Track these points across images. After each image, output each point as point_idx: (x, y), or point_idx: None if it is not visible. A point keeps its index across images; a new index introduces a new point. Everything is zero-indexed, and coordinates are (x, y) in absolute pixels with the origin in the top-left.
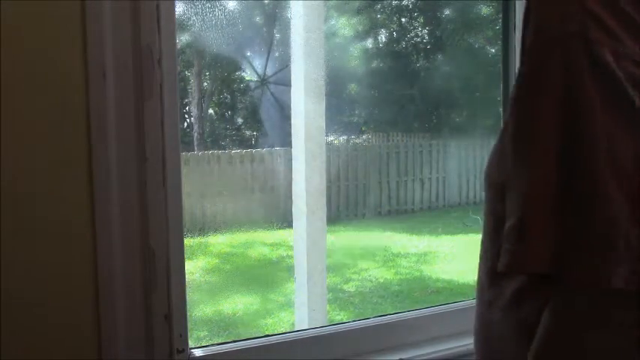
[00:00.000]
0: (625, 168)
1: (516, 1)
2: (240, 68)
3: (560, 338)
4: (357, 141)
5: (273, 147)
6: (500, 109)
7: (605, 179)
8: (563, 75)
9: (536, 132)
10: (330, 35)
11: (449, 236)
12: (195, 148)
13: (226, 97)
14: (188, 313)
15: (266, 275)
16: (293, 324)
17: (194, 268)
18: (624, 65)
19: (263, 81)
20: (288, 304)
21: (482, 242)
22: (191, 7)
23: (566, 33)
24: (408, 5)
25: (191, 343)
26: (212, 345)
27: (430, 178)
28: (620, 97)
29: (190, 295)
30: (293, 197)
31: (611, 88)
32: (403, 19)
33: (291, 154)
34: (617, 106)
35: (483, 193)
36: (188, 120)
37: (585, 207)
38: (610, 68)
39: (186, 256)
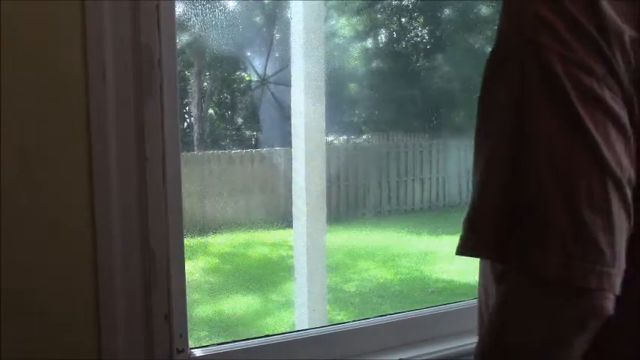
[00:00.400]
0: (564, 169)
1: None
2: (240, 68)
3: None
4: (357, 141)
5: (273, 147)
6: None
7: (544, 179)
8: (517, 80)
9: (490, 132)
10: (330, 35)
11: (449, 236)
12: (195, 148)
13: (226, 97)
14: (188, 313)
15: (266, 275)
16: (293, 324)
17: (194, 268)
18: (571, 71)
19: (263, 81)
20: (288, 304)
21: None
22: (191, 7)
23: (522, 40)
24: (408, 5)
25: (191, 343)
26: (212, 345)
27: (430, 178)
28: (564, 103)
29: (190, 295)
30: (293, 197)
31: (556, 94)
32: (403, 19)
33: (291, 154)
34: (560, 111)
35: None
36: (188, 120)
37: (525, 202)
38: (556, 74)
39: (186, 256)
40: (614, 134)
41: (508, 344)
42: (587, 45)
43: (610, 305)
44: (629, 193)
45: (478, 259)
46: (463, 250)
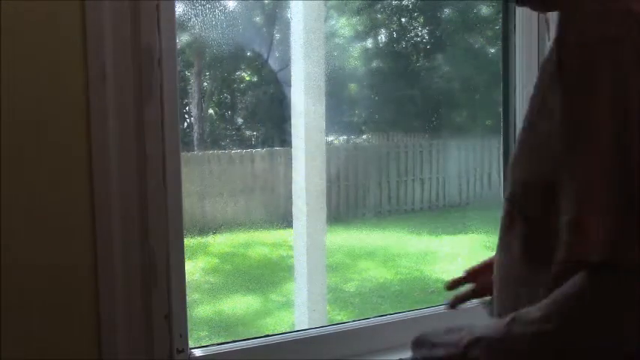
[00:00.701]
0: None
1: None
2: (240, 68)
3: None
4: (357, 141)
5: (273, 147)
6: (500, 109)
7: None
8: (613, 75)
9: (591, 131)
10: (330, 35)
11: (449, 236)
12: (195, 148)
13: (226, 97)
14: (188, 313)
15: (266, 275)
16: (293, 324)
17: (194, 268)
18: None
19: (263, 81)
20: (288, 304)
21: (502, 237)
22: (191, 7)
23: (609, 37)
24: (408, 5)
25: (191, 343)
26: (212, 345)
27: (430, 178)
28: None
29: (190, 295)
30: (293, 197)
31: None
32: (403, 19)
33: (291, 154)
34: None
35: (493, 191)
36: (188, 120)
37: (637, 200)
38: None
39: (186, 256)
40: None
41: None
42: None
43: None
44: None
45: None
46: (570, 254)
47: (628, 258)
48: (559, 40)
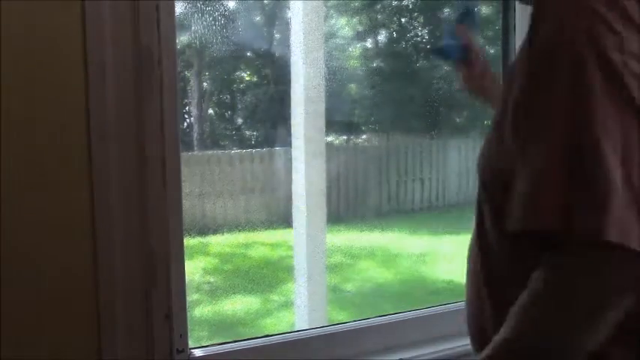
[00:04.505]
0: (619, 143)
1: (516, 2)
2: (240, 68)
3: (553, 283)
4: (357, 141)
5: (273, 147)
6: None
7: (602, 153)
8: (572, 66)
9: (544, 119)
10: (330, 35)
11: (449, 236)
12: (195, 148)
13: (226, 97)
14: (188, 313)
15: (266, 275)
16: (293, 324)
17: (194, 268)
18: (626, 61)
19: (263, 81)
20: (288, 304)
21: (477, 236)
22: (191, 7)
23: (573, 29)
24: (408, 5)
25: (191, 343)
26: (212, 345)
27: (430, 178)
28: (618, 85)
29: (190, 295)
30: (293, 197)
31: (611, 77)
32: (403, 19)
33: (291, 154)
34: (614, 92)
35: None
36: (188, 120)
37: (588, 177)
38: (611, 59)
39: (186, 256)
40: None
41: (565, 306)
42: (636, 36)
43: None
44: None
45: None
46: (523, 220)
47: (578, 226)
48: (529, 35)
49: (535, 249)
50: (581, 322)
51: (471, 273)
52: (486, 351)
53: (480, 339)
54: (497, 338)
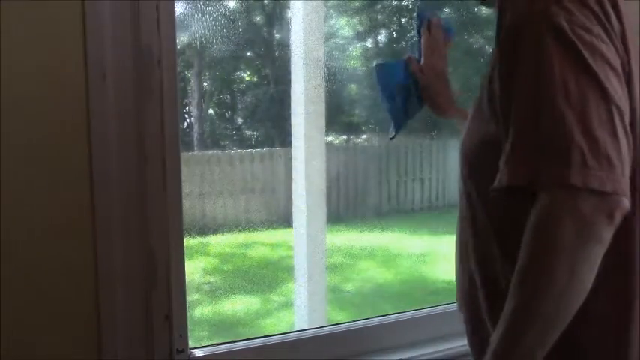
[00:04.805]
0: (578, 102)
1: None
2: (240, 68)
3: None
4: (357, 141)
5: (273, 147)
6: None
7: (563, 111)
8: (536, 42)
9: (516, 90)
10: (330, 35)
11: (449, 236)
12: (195, 148)
13: (226, 97)
14: (188, 313)
15: (266, 275)
16: (293, 324)
17: (194, 268)
18: (575, 30)
19: (263, 81)
20: (288, 304)
21: (466, 216)
22: (191, 7)
23: (532, 11)
24: (408, 5)
25: (191, 343)
26: (212, 345)
27: (430, 178)
28: (574, 53)
29: (190, 295)
30: (293, 197)
31: (567, 47)
32: (403, 19)
33: (291, 154)
34: (571, 59)
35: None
36: (188, 120)
37: (551, 135)
38: (565, 32)
39: (186, 256)
40: (612, 75)
41: (549, 247)
42: (586, 13)
43: (626, 203)
44: (626, 120)
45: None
46: (506, 178)
47: (545, 177)
48: (498, 18)
49: (520, 217)
50: (570, 261)
51: (461, 248)
52: (496, 334)
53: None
54: (507, 307)
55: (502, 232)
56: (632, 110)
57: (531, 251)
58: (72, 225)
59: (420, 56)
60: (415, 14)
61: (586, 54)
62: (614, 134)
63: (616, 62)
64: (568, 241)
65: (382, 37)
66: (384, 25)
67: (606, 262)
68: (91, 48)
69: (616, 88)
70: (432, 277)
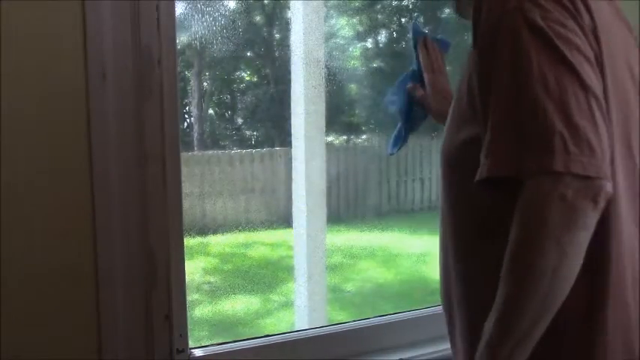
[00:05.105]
0: (556, 90)
1: None
2: (240, 68)
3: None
4: (357, 141)
5: (273, 147)
6: None
7: (543, 101)
8: (513, 38)
9: (497, 85)
10: (330, 35)
11: None
12: (195, 148)
13: (226, 97)
14: (188, 313)
15: (266, 275)
16: (293, 324)
17: (194, 268)
18: (550, 25)
19: (263, 81)
20: (288, 304)
21: (449, 214)
22: (191, 7)
23: (507, 10)
24: (408, 5)
25: (191, 343)
26: (212, 345)
27: (430, 178)
28: (550, 46)
29: (190, 295)
30: (293, 197)
31: (543, 40)
32: (403, 19)
33: (291, 154)
34: (548, 51)
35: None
36: (188, 120)
37: (532, 124)
38: (540, 26)
39: (186, 256)
40: (587, 65)
41: (537, 232)
42: (559, 9)
43: (609, 187)
44: (604, 108)
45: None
46: (487, 169)
47: (528, 166)
48: (474, 19)
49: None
50: (558, 245)
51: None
52: (490, 322)
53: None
54: (498, 296)
55: (483, 230)
56: (605, 101)
57: (519, 237)
58: (72, 225)
59: (418, 70)
60: (409, 35)
61: (562, 46)
62: (593, 121)
63: (590, 55)
64: (555, 225)
65: (382, 37)
66: (384, 25)
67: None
68: (91, 48)
69: (592, 78)
70: (432, 277)
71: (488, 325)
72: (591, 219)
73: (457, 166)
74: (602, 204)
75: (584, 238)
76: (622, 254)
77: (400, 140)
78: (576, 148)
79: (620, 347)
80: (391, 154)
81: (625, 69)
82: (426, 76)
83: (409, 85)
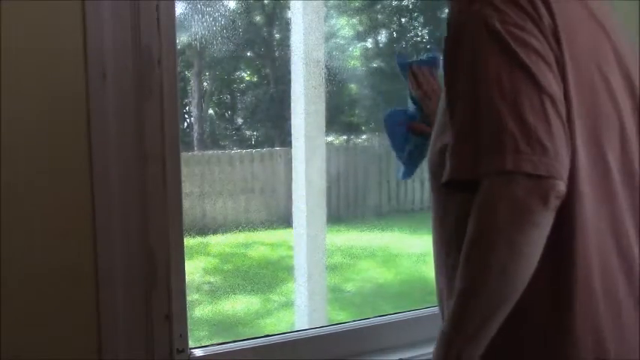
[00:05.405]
0: (511, 92)
1: None
2: (240, 68)
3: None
4: (357, 141)
5: (273, 147)
6: None
7: (497, 102)
8: (472, 41)
9: (459, 86)
10: (330, 35)
11: None
12: (195, 148)
13: (226, 97)
14: (188, 313)
15: (266, 275)
16: (293, 324)
17: (194, 268)
18: (508, 28)
19: (263, 81)
20: (288, 304)
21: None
22: (191, 7)
23: (469, 14)
24: (408, 5)
25: (191, 343)
26: (212, 345)
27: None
28: (506, 48)
29: (190, 295)
30: (293, 197)
31: (500, 43)
32: (403, 19)
33: (291, 154)
34: (503, 54)
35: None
36: (188, 120)
37: (487, 125)
38: (498, 30)
39: (186, 256)
40: (544, 67)
41: (489, 229)
42: (518, 12)
43: (561, 186)
44: (561, 109)
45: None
46: (450, 173)
47: (483, 167)
48: (446, 23)
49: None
50: (509, 242)
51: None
52: (448, 316)
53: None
54: (455, 289)
55: (459, 229)
56: (567, 101)
57: (473, 234)
58: (72, 225)
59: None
60: (396, 66)
61: (518, 49)
62: (547, 121)
63: (549, 57)
64: (505, 223)
65: (382, 37)
66: (384, 25)
67: (548, 241)
68: (91, 48)
69: (549, 79)
70: (431, 277)
71: (446, 316)
72: (543, 217)
73: (437, 173)
74: (553, 203)
75: (537, 236)
76: (589, 254)
77: (408, 174)
78: (528, 147)
79: (591, 346)
80: (403, 179)
81: (593, 70)
82: (423, 106)
83: (406, 125)
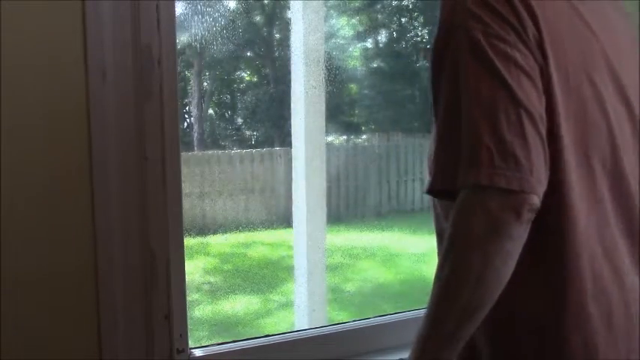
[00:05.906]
0: (488, 106)
1: None
2: (240, 68)
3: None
4: (357, 141)
5: (273, 147)
6: None
7: (475, 115)
8: (453, 51)
9: (442, 96)
10: (330, 35)
11: None
12: (195, 148)
13: (226, 97)
14: (188, 313)
15: (266, 275)
16: (293, 324)
17: (194, 268)
18: (490, 41)
19: (263, 81)
20: (288, 304)
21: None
22: (191, 7)
23: (454, 25)
24: (408, 5)
25: (191, 343)
26: (212, 345)
27: None
28: (486, 61)
29: (190, 295)
30: (293, 197)
31: (480, 56)
32: (403, 19)
33: (291, 154)
34: (483, 67)
35: None
36: (188, 120)
37: (464, 138)
38: (480, 43)
39: (186, 256)
40: (525, 81)
41: (462, 241)
42: (502, 24)
43: (535, 200)
44: (540, 125)
45: None
46: (435, 185)
47: (460, 179)
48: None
49: None
50: (482, 254)
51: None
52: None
53: None
54: (429, 299)
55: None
56: (552, 112)
57: (448, 244)
58: (72, 225)
59: None
60: None
61: (498, 63)
62: (523, 136)
63: (532, 69)
64: (478, 236)
65: (382, 37)
66: (384, 25)
67: (539, 245)
68: (91, 48)
69: (528, 93)
70: (431, 277)
71: (422, 320)
72: (516, 230)
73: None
74: (526, 216)
75: (510, 248)
76: (579, 258)
77: None
78: (502, 162)
79: (581, 347)
80: None
81: (582, 78)
82: None
83: None
